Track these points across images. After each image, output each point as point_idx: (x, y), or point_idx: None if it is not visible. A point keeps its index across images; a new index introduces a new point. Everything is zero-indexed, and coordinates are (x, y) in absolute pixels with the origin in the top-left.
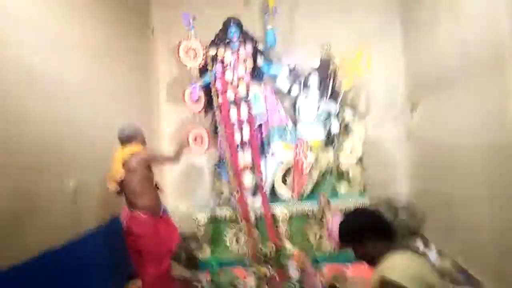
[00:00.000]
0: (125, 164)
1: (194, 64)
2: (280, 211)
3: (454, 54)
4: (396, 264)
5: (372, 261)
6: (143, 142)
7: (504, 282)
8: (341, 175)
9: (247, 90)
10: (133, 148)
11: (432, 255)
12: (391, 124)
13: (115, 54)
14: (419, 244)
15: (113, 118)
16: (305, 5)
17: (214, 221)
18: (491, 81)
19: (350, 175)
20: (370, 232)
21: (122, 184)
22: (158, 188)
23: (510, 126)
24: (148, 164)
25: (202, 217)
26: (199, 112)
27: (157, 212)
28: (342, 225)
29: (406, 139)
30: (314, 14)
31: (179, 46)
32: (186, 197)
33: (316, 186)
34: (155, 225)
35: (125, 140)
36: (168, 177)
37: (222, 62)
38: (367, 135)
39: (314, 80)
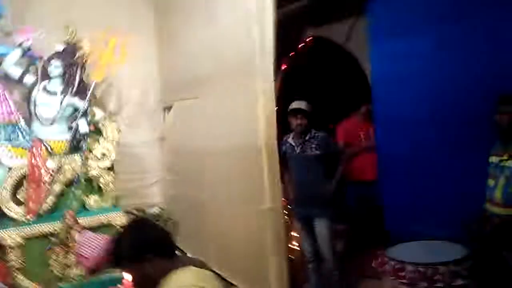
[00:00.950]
0: None
1: None
2: (9, 236)
3: (207, 56)
4: (184, 283)
5: (153, 286)
6: None
7: (255, 282)
8: (91, 184)
9: None
10: None
11: None
12: (143, 126)
13: None
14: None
15: None
16: None
17: None
18: (242, 86)
19: (101, 184)
20: (150, 249)
21: None
22: None
23: (258, 130)
24: None
25: None
26: None
27: None
28: (116, 244)
29: (158, 143)
30: None
31: None
32: None
33: (60, 199)
34: None
35: None
36: None
37: None
38: (118, 138)
39: (56, 68)
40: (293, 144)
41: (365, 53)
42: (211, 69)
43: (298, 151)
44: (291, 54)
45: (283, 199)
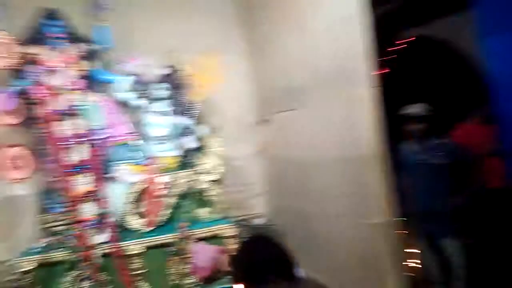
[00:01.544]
0: None
1: (4, 63)
2: (132, 246)
3: (301, 67)
4: None
5: None
6: None
7: None
8: (201, 197)
9: (80, 99)
10: None
11: None
12: (243, 140)
13: None
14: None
15: None
16: (143, 7)
17: (44, 266)
18: (340, 94)
19: (210, 196)
20: (272, 270)
21: None
22: None
23: (359, 139)
24: None
25: (26, 263)
26: (16, 125)
27: None
28: (235, 261)
29: (259, 155)
30: (154, 17)
31: None
32: (1, 238)
33: (175, 212)
34: None
35: None
36: None
37: (42, 63)
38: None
39: (163, 90)
40: (413, 151)
41: (475, 49)
42: (307, 79)
43: (419, 159)
44: (390, 56)
45: (401, 211)
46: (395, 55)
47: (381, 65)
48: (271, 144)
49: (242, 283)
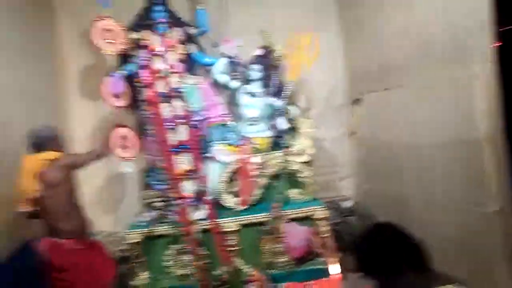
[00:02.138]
0: (41, 176)
1: (114, 49)
2: (228, 223)
3: (402, 44)
4: None
5: None
6: (61, 147)
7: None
8: (292, 178)
9: (180, 82)
10: (48, 154)
11: None
12: (332, 120)
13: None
14: None
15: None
16: None
17: (148, 239)
18: (451, 71)
19: (301, 178)
20: (404, 260)
21: (38, 203)
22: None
23: (472, 120)
24: (71, 173)
25: (133, 235)
26: (122, 107)
27: (86, 236)
28: (365, 249)
29: (348, 137)
30: None
31: (93, 26)
32: (108, 211)
33: (267, 192)
34: (85, 254)
35: (39, 145)
36: (85, 188)
37: (147, 48)
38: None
39: (256, 71)
40: None
41: None
42: (409, 56)
43: None
44: (506, 28)
45: None
46: None
47: (500, 38)
48: (361, 125)
49: (372, 274)
